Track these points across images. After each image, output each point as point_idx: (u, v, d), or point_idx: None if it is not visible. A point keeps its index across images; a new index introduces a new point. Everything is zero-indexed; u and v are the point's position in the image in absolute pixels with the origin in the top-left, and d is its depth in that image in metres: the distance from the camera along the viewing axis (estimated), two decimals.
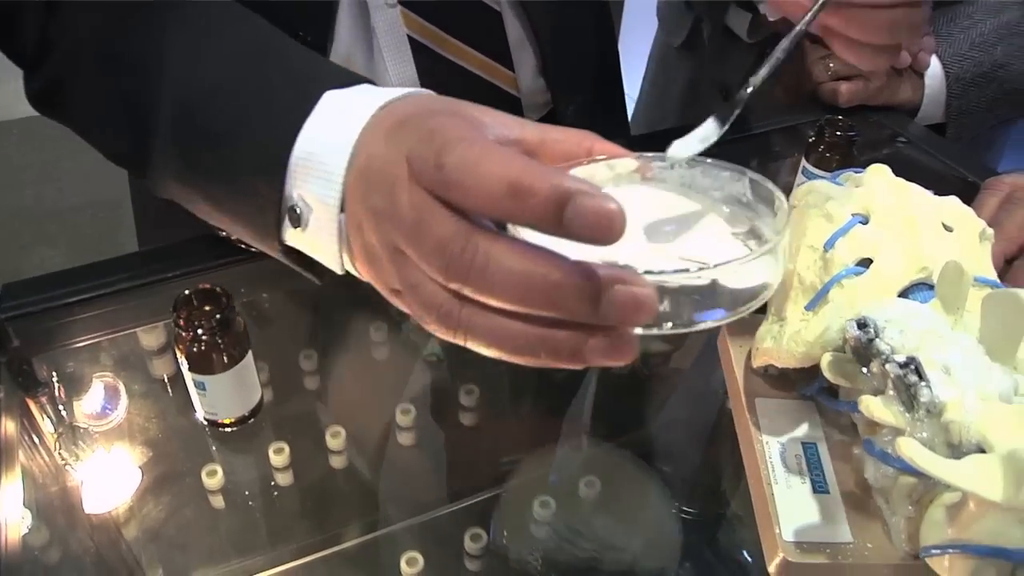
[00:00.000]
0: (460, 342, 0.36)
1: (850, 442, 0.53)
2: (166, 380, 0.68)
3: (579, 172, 0.41)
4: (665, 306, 0.34)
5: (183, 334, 0.57)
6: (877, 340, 0.45)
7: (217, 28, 0.50)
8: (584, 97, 0.85)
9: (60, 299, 0.67)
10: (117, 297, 0.68)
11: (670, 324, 0.35)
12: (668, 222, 0.41)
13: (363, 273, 0.42)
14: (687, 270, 0.34)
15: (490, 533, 0.59)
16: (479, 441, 0.68)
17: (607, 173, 0.42)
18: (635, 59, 1.26)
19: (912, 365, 0.42)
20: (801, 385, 0.55)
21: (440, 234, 0.34)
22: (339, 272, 0.44)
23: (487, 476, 0.64)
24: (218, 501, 0.61)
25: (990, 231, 0.57)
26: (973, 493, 0.38)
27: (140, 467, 0.61)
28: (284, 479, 0.63)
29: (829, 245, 0.54)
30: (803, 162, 0.76)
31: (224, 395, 0.61)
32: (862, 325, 0.46)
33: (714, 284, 0.35)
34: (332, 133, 0.41)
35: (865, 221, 0.55)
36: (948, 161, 0.89)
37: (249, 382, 0.62)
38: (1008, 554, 0.38)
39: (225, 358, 0.58)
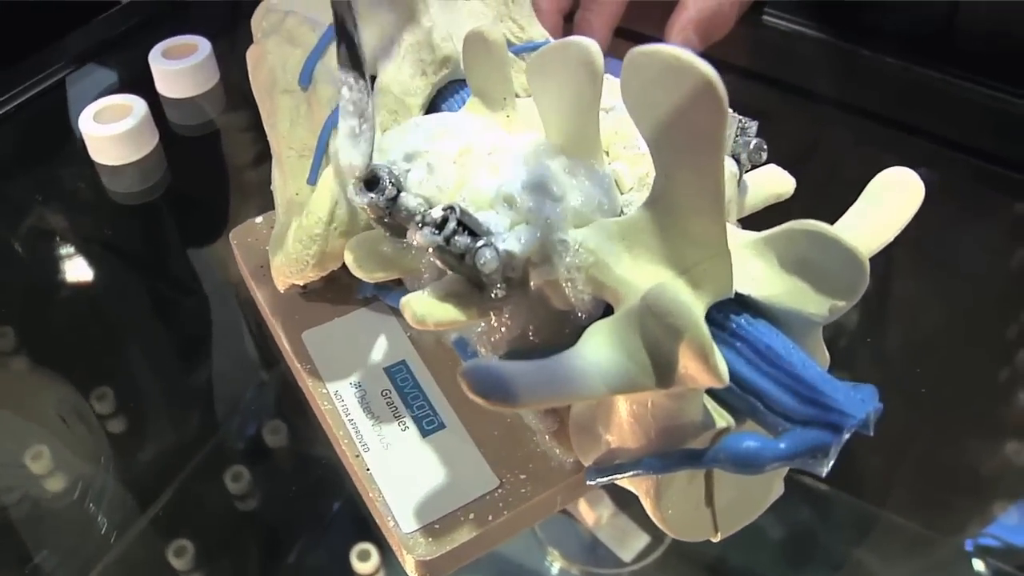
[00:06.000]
0: None
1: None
2: None
3: None
4: None
5: None
6: (402, 195, 0.28)
7: None
8: None
9: None
10: None
11: None
12: None
13: None
14: None
15: None
16: None
17: None
18: None
19: (452, 220, 0.25)
20: (358, 288, 0.38)
21: None
22: None
23: None
24: None
25: None
26: (618, 390, 0.22)
27: None
28: None
29: (305, 79, 0.35)
30: None
31: None
32: (371, 182, 0.28)
33: None
34: None
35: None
36: None
37: None
38: (691, 459, 0.23)
39: None
